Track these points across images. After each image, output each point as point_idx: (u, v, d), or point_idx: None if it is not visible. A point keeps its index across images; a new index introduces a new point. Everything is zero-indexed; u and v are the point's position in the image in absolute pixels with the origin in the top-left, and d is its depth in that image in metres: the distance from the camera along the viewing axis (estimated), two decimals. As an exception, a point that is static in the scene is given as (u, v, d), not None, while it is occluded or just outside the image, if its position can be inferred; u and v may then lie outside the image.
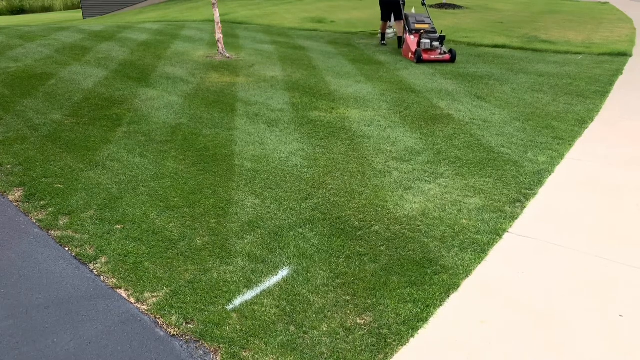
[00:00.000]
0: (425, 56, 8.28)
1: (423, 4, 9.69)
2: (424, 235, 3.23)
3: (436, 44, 8.44)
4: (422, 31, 8.62)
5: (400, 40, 9.58)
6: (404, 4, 9.40)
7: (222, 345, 2.34)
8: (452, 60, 8.28)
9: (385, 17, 9.78)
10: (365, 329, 2.44)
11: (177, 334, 2.42)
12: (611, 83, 6.79)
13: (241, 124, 5.26)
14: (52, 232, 3.26)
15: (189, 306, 2.59)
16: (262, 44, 9.96)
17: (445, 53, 8.45)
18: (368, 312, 2.55)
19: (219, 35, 8.52)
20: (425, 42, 8.42)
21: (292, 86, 6.75)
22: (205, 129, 5.09)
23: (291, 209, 3.54)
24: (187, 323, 2.48)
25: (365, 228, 3.30)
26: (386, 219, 3.41)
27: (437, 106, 5.90)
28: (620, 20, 12.89)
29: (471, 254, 3.03)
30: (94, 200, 3.65)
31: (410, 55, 8.60)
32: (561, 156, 4.46)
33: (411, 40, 8.70)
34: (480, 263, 2.95)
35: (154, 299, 2.65)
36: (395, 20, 9.67)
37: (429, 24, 8.93)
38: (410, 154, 4.49)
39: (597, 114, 5.58)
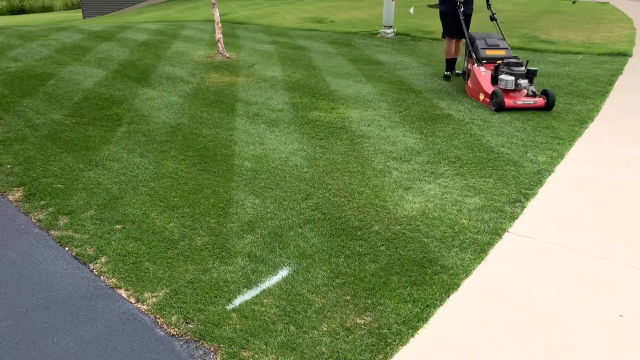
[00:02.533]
0: (508, 101, 5.58)
1: (492, 19, 6.70)
2: (424, 235, 3.23)
3: (524, 82, 5.67)
4: (499, 62, 5.92)
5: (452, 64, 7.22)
6: (467, 18, 6.74)
7: (222, 345, 2.34)
8: (549, 106, 5.61)
9: (448, 33, 7.03)
10: (365, 329, 2.44)
11: (177, 334, 2.42)
12: (611, 83, 6.79)
13: (241, 124, 5.26)
14: (52, 232, 3.26)
15: (189, 306, 2.59)
16: (262, 44, 9.96)
17: (535, 94, 5.74)
18: (368, 312, 2.55)
19: (219, 35, 8.52)
20: (507, 80, 5.64)
21: (292, 86, 6.75)
22: (205, 129, 5.09)
23: (291, 208, 3.54)
24: (187, 323, 2.48)
25: (365, 228, 3.30)
26: (386, 219, 3.41)
27: (437, 106, 5.90)
28: (620, 20, 12.89)
29: (471, 254, 3.02)
30: (94, 200, 3.65)
31: (482, 97, 5.94)
32: (561, 156, 4.46)
33: (482, 74, 6.03)
34: (480, 263, 2.95)
35: (154, 299, 2.65)
36: (461, 37, 7.02)
37: (506, 48, 6.32)
38: (410, 154, 4.49)
39: (597, 114, 5.58)
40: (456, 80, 7.12)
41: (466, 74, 6.62)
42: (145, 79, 7.00)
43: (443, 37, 7.23)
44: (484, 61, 6.19)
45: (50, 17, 26.66)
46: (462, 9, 6.65)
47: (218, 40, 8.56)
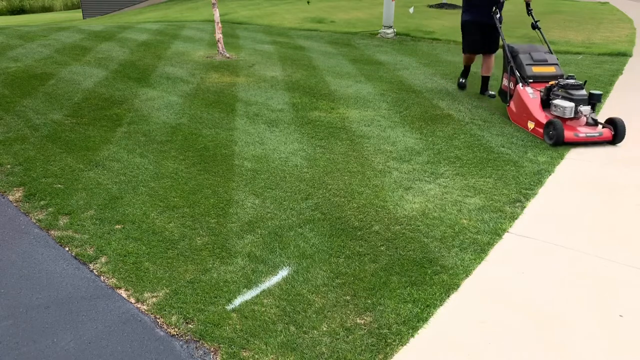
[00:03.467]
0: (569, 134, 4.60)
1: (535, 27, 5.74)
2: (424, 235, 3.23)
3: (585, 109, 4.72)
4: (551, 82, 5.05)
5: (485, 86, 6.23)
6: (499, 23, 5.80)
7: (222, 345, 2.34)
8: (618, 139, 4.69)
9: (471, 48, 6.16)
10: (365, 329, 2.44)
11: (177, 334, 2.42)
12: (611, 83, 6.79)
13: (241, 124, 5.25)
14: (52, 232, 3.26)
15: (189, 306, 2.59)
16: (262, 44, 9.96)
17: (597, 123, 4.80)
18: (368, 312, 2.55)
19: (219, 35, 8.52)
20: (565, 108, 4.69)
21: (292, 86, 6.75)
22: (205, 129, 5.09)
23: (291, 209, 3.54)
24: (187, 323, 2.48)
25: (365, 228, 3.30)
26: (386, 219, 3.41)
27: (437, 106, 5.90)
28: (620, 20, 12.89)
29: (471, 254, 3.02)
30: (94, 200, 3.65)
31: (531, 126, 4.97)
32: (561, 156, 4.46)
33: (529, 97, 5.07)
34: (480, 263, 2.95)
35: (154, 299, 2.65)
36: (487, 52, 6.12)
37: (555, 64, 5.39)
38: (410, 154, 4.49)
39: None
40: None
41: (508, 95, 5.54)
42: (145, 79, 7.00)
43: (464, 52, 6.24)
44: (530, 80, 5.23)
45: (50, 17, 26.67)
46: (498, 15, 5.69)
47: (218, 40, 8.56)
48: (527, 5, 5.94)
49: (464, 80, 6.54)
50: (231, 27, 12.28)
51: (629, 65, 7.82)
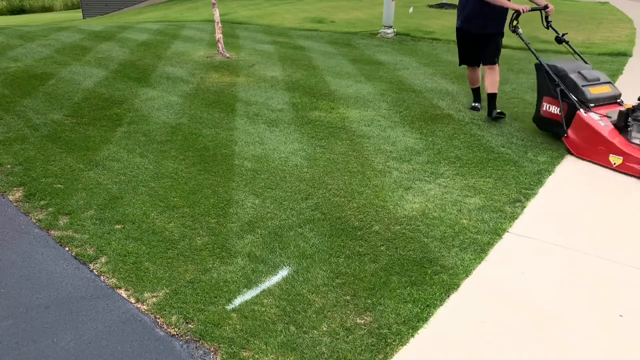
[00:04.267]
0: None
1: (561, 41, 5.07)
2: (424, 235, 3.23)
3: None
4: (627, 106, 4.29)
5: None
6: (490, 40, 5.24)
7: (222, 345, 2.34)
8: None
9: (462, 59, 5.58)
10: (365, 329, 2.44)
11: (177, 334, 2.42)
12: (611, 83, 6.79)
13: (241, 124, 5.25)
14: (52, 232, 3.26)
15: (189, 306, 2.59)
16: (262, 44, 9.96)
17: None
18: (368, 312, 2.55)
19: (219, 35, 8.52)
20: None
21: (292, 86, 6.75)
22: (205, 129, 5.09)
23: (291, 208, 3.54)
24: (187, 323, 2.48)
25: (365, 228, 3.30)
26: (386, 219, 3.41)
27: (437, 106, 5.90)
28: (620, 20, 12.89)
29: (471, 254, 3.03)
30: (94, 200, 3.65)
31: (617, 162, 4.14)
32: (561, 156, 4.46)
33: (601, 126, 4.28)
34: (480, 263, 2.95)
35: (154, 299, 2.65)
36: (483, 64, 5.38)
37: (609, 82, 4.69)
38: (410, 154, 4.49)
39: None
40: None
41: (563, 124, 4.57)
42: (145, 79, 7.00)
43: (463, 64, 5.65)
44: (592, 104, 4.42)
45: (50, 17, 26.67)
46: (520, 30, 5.04)
47: (218, 40, 8.56)
48: (546, 17, 5.09)
49: (478, 105, 5.68)
50: (231, 27, 12.28)
51: (629, 65, 7.82)
